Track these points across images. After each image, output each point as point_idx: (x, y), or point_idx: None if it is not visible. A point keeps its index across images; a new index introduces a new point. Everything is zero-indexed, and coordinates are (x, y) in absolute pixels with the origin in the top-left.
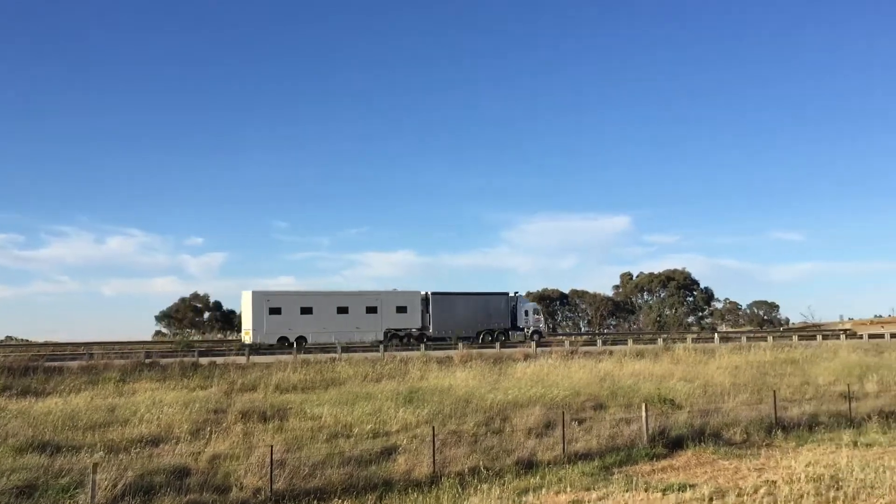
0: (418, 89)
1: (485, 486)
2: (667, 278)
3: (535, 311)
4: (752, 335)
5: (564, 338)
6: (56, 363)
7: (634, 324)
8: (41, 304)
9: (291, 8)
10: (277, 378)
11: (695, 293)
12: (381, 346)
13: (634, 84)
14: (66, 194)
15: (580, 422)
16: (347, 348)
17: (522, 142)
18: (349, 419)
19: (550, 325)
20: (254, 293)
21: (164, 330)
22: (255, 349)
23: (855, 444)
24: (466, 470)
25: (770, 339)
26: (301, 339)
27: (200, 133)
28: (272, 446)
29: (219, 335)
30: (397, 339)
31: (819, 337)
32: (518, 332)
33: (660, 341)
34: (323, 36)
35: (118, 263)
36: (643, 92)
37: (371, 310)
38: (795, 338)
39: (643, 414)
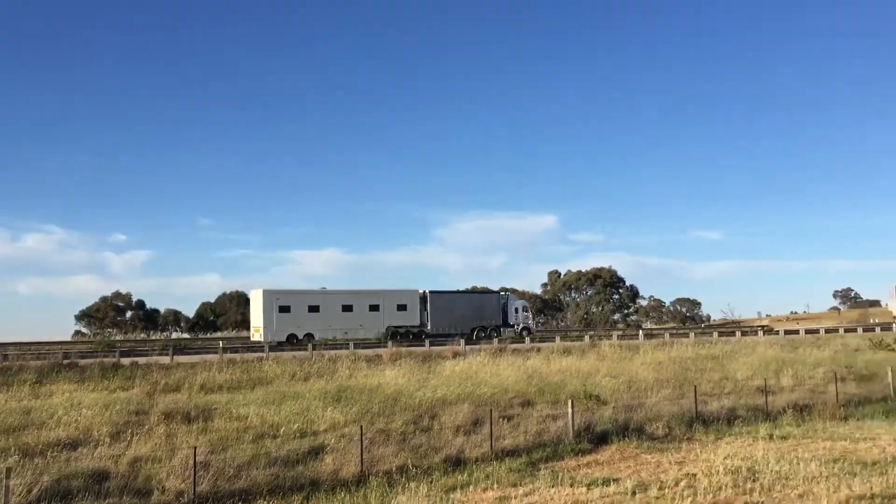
0: (346, 86)
1: (413, 485)
2: (594, 276)
3: (525, 309)
4: (674, 332)
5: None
6: None
7: (562, 321)
8: None
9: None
10: (203, 378)
11: (620, 291)
12: (310, 346)
13: (561, 84)
14: None
15: (508, 419)
16: (351, 344)
17: (452, 140)
18: (276, 419)
19: None
20: (264, 292)
21: (85, 330)
22: (269, 346)
23: (771, 436)
24: (395, 468)
25: (692, 335)
26: (309, 336)
27: (124, 127)
28: (195, 448)
29: (142, 335)
30: (398, 335)
31: (738, 333)
32: (509, 329)
33: (587, 338)
34: (249, 32)
35: (35, 261)
36: (569, 92)
37: (373, 307)
38: (716, 334)
39: (569, 410)
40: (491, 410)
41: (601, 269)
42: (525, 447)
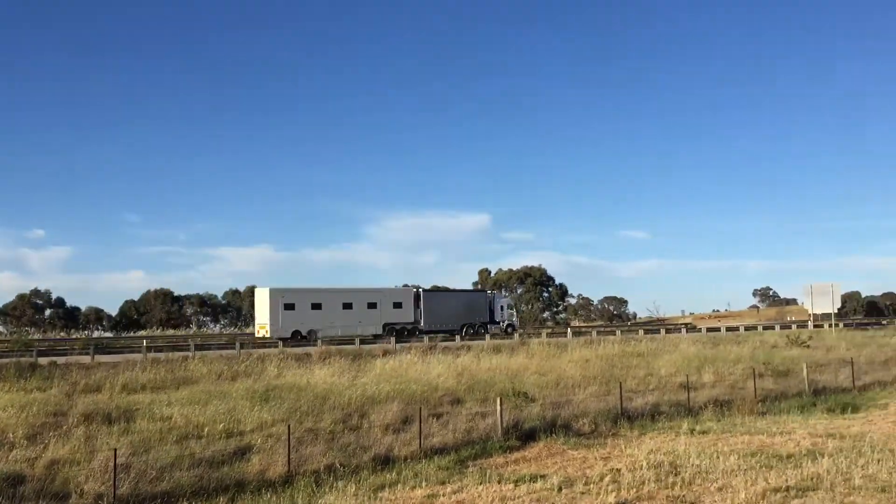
0: (276, 82)
1: (341, 484)
2: (524, 275)
3: (509, 307)
4: (602, 330)
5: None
6: None
7: None
8: None
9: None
10: (125, 378)
11: (550, 289)
12: (237, 345)
13: (492, 83)
14: None
15: (438, 417)
16: (357, 340)
17: (383, 138)
18: (201, 419)
19: None
20: (271, 290)
21: (0, 328)
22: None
23: (692, 431)
24: (323, 468)
25: (618, 333)
26: (311, 333)
27: (45, 116)
28: (116, 450)
29: (62, 333)
30: (394, 331)
31: (663, 331)
32: (495, 326)
33: (516, 336)
34: (181, 30)
35: None
36: (501, 91)
37: (372, 305)
38: (641, 332)
39: (498, 408)
40: (420, 408)
41: (531, 268)
42: (454, 445)
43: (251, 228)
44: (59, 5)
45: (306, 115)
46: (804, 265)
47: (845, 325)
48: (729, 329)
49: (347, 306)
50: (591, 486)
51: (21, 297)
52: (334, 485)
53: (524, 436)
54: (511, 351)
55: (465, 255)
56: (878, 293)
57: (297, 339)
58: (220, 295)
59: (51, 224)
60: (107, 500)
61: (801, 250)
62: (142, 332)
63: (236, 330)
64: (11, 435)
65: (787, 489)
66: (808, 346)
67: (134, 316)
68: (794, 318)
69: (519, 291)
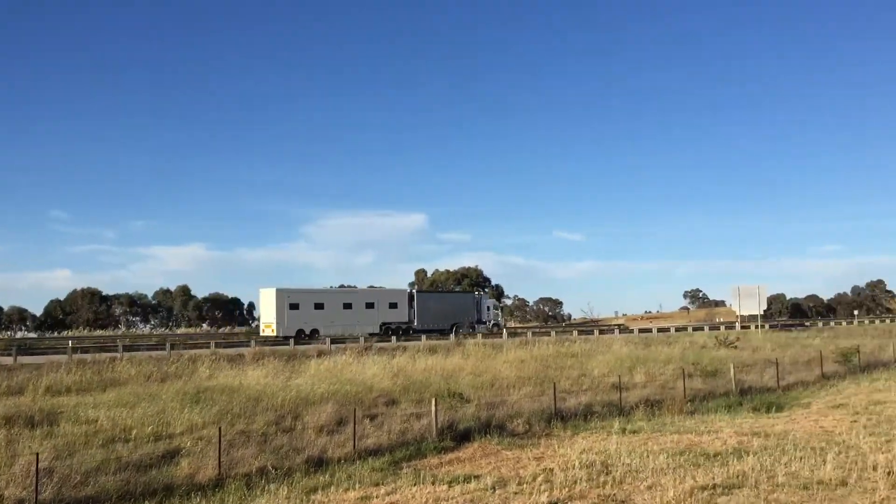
0: (213, 80)
1: (273, 487)
2: (461, 276)
3: (495, 307)
4: (537, 330)
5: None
6: None
7: None
8: None
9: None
10: (49, 380)
11: (486, 290)
12: (168, 346)
13: (427, 83)
14: None
15: (372, 418)
16: (362, 339)
17: (318, 136)
18: (129, 422)
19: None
20: (277, 290)
21: None
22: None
23: (624, 431)
24: (254, 470)
25: (553, 333)
26: (314, 332)
27: None
28: (38, 454)
29: None
30: (390, 330)
31: (596, 332)
32: (482, 325)
33: (452, 337)
34: (106, 30)
35: None
36: (440, 91)
37: (370, 305)
38: (576, 333)
39: (433, 408)
40: (355, 409)
41: (468, 269)
42: (389, 446)
43: (184, 227)
44: None
45: (239, 113)
46: (733, 267)
47: (771, 327)
48: (660, 330)
49: (347, 306)
50: (525, 485)
51: None
52: (266, 487)
53: (459, 436)
54: (447, 352)
55: (403, 256)
56: (802, 295)
57: (301, 337)
58: (150, 295)
59: None
60: None
61: (729, 252)
62: (68, 333)
63: (167, 330)
64: None
65: (714, 487)
66: (735, 347)
67: (60, 316)
68: (722, 320)
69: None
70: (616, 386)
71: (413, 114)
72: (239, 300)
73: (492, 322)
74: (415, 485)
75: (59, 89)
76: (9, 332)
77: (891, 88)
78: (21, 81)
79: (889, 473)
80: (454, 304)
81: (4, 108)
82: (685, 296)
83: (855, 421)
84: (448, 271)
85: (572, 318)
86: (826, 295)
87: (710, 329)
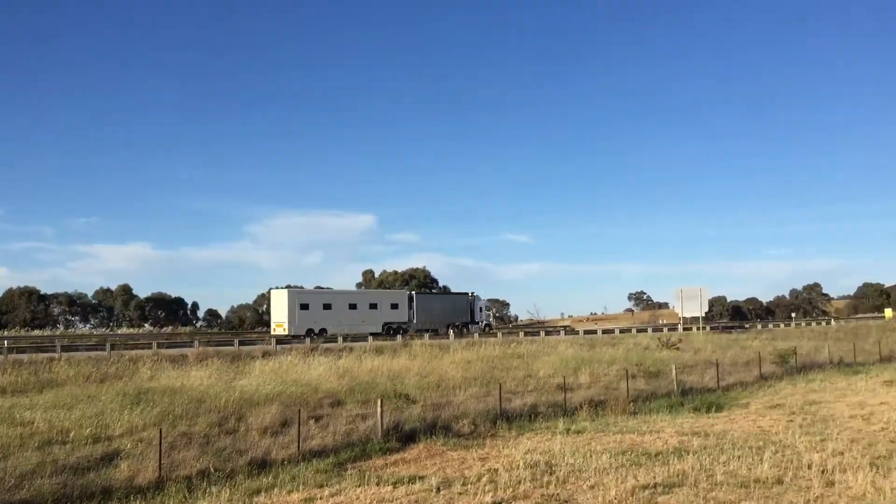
0: (157, 77)
1: (215, 489)
2: (409, 276)
3: (487, 308)
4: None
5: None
6: None
7: None
8: None
9: None
10: None
11: (434, 291)
12: (108, 346)
13: (376, 84)
14: None
15: (317, 419)
16: (370, 337)
17: (266, 135)
18: (66, 424)
19: None
20: (289, 292)
21: None
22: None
23: (568, 431)
24: (196, 473)
25: (500, 335)
26: (323, 331)
27: None
28: None
29: None
30: (391, 330)
31: (542, 333)
32: (475, 325)
33: (398, 338)
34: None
35: None
36: (384, 93)
37: (373, 306)
38: (522, 334)
39: (378, 409)
40: (300, 411)
41: (416, 270)
42: (334, 447)
43: (127, 225)
44: None
45: (184, 111)
46: (676, 270)
47: (712, 329)
48: (605, 331)
49: (353, 307)
50: (469, 486)
51: None
52: (208, 490)
53: (404, 437)
54: (394, 352)
55: (351, 256)
56: (742, 298)
57: (311, 336)
58: (90, 294)
59: None
60: None
61: (673, 255)
62: (3, 333)
63: (108, 331)
64: None
65: (655, 486)
66: (677, 349)
67: None
68: (665, 322)
69: None
70: (561, 386)
71: (364, 114)
72: (183, 300)
73: (484, 322)
74: (359, 486)
75: None
76: None
77: (820, 94)
78: None
79: (823, 472)
80: (450, 305)
81: None
82: (630, 298)
83: (791, 421)
84: (396, 272)
85: (519, 319)
86: (766, 298)
87: (654, 331)
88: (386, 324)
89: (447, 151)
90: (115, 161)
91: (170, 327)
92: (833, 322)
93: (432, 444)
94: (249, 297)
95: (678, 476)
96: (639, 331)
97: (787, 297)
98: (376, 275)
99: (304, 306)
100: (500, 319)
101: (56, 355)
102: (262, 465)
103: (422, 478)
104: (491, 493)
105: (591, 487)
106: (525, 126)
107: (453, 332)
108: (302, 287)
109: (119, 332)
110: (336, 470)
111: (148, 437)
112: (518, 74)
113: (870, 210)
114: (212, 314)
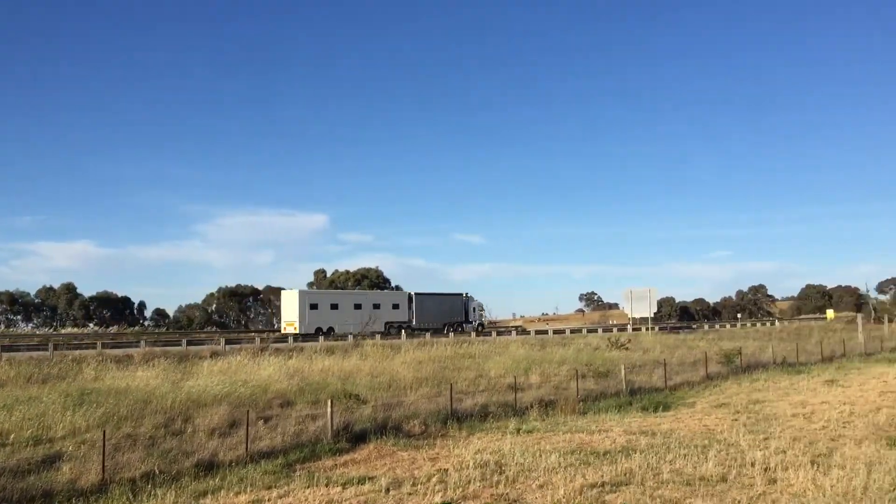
0: (108, 75)
1: (160, 491)
2: (361, 276)
3: (481, 308)
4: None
5: (255, 334)
6: None
7: None
8: None
9: None
10: None
11: (387, 290)
12: (51, 346)
13: (330, 83)
14: None
15: (266, 419)
16: (378, 336)
17: (218, 133)
18: (6, 426)
19: (243, 322)
20: (300, 292)
21: None
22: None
23: (518, 431)
24: (140, 475)
25: (451, 335)
26: (330, 329)
27: None
28: None
29: None
30: (393, 329)
31: (494, 333)
32: (469, 325)
33: (350, 338)
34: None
35: None
36: (344, 92)
37: (376, 306)
38: (473, 334)
39: (328, 409)
40: (248, 411)
41: (368, 270)
42: (282, 448)
43: (71, 223)
44: None
45: (133, 108)
46: (625, 271)
47: (660, 329)
48: (556, 332)
49: (358, 307)
50: (419, 486)
51: None
52: (153, 492)
53: (355, 438)
54: (345, 353)
55: (303, 255)
56: (690, 299)
57: (319, 334)
58: (33, 293)
59: None
60: None
61: (623, 256)
62: None
63: (51, 330)
64: None
65: (603, 484)
66: (626, 349)
67: None
68: (615, 322)
69: None
70: (512, 387)
71: (317, 114)
72: (129, 299)
73: (477, 322)
74: (308, 487)
75: None
76: None
77: (759, 96)
78: None
79: (766, 469)
80: (447, 304)
81: None
82: (581, 298)
83: (736, 419)
84: (348, 272)
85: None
86: (712, 299)
87: (604, 331)
88: (388, 323)
89: (400, 152)
90: (60, 159)
91: (115, 327)
92: (777, 323)
93: (382, 445)
94: (198, 297)
95: (625, 475)
96: (589, 331)
97: (734, 297)
98: (328, 274)
99: (314, 306)
100: None
101: None
102: (209, 467)
103: (371, 478)
104: (441, 494)
105: (541, 487)
106: (475, 126)
107: (452, 331)
108: (313, 287)
109: (63, 331)
110: (285, 471)
111: (91, 439)
112: (472, 73)
113: (812, 213)
114: (159, 314)
